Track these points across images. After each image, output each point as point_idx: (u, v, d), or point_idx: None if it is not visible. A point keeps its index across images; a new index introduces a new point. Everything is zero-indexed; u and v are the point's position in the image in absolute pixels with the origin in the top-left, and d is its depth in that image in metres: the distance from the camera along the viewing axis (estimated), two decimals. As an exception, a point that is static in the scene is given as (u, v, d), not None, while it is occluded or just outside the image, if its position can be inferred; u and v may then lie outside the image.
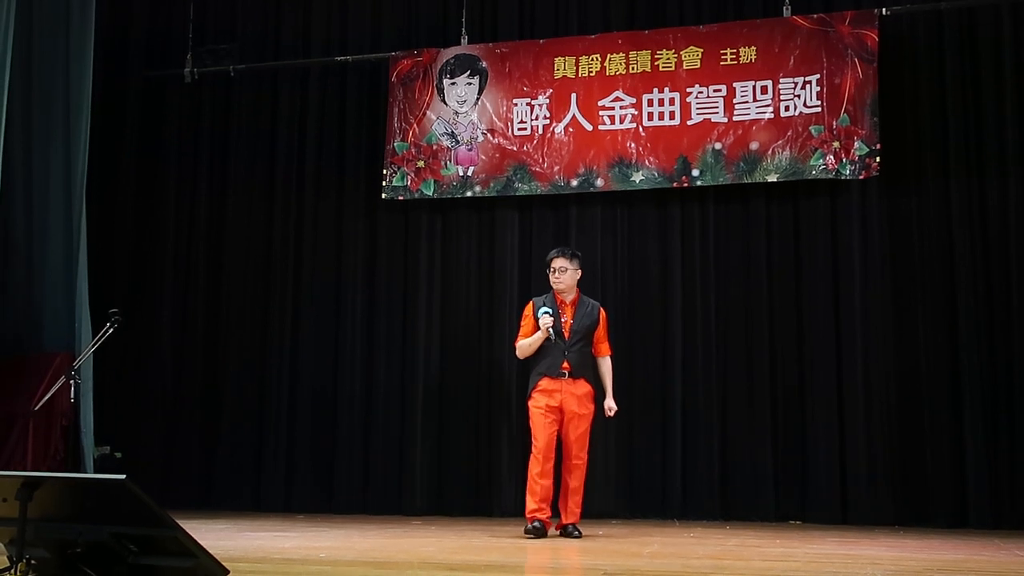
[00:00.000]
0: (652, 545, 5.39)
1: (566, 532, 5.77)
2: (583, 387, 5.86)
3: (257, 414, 7.99)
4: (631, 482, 7.29)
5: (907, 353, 6.94)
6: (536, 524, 5.72)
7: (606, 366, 6.04)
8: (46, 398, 6.71)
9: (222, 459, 7.98)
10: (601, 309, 6.08)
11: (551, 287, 6.04)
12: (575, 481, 5.82)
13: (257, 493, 7.85)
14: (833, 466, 6.95)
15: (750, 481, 7.08)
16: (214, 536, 5.10)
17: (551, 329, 5.81)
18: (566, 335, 5.88)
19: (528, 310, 6.07)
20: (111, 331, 6.43)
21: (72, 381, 6.55)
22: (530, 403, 5.92)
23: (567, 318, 5.93)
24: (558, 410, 5.82)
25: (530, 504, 5.78)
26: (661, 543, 5.47)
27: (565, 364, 5.84)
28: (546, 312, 5.85)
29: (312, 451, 7.85)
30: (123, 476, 2.77)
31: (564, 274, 5.98)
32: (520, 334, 6.06)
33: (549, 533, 5.79)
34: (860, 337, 7.01)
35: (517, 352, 6.10)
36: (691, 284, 7.38)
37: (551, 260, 6.04)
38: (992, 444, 6.68)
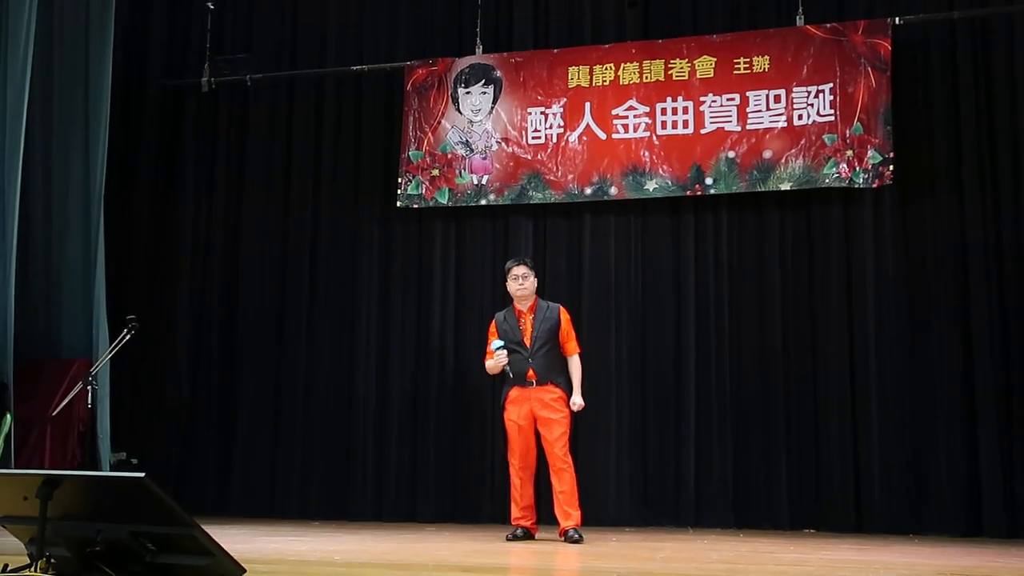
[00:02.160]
0: (665, 550, 5.40)
1: (567, 537, 5.80)
2: (551, 392, 5.96)
3: (272, 420, 8.03)
4: (645, 490, 7.29)
5: (921, 361, 6.94)
6: (518, 532, 5.93)
7: (574, 364, 6.09)
8: (64, 404, 6.77)
9: (237, 465, 8.02)
10: (561, 308, 6.18)
11: (510, 299, 6.21)
12: (563, 484, 5.88)
13: (272, 499, 7.88)
14: (847, 474, 6.94)
15: (764, 489, 7.08)
16: (230, 540, 5.11)
17: (506, 367, 5.95)
18: (527, 343, 6.00)
19: (492, 327, 6.20)
20: (128, 337, 6.50)
21: (89, 387, 6.62)
22: (504, 415, 6.08)
23: (527, 327, 6.05)
24: (530, 419, 5.95)
25: (514, 512, 6.01)
26: (674, 548, 5.48)
27: (530, 372, 5.97)
28: (500, 348, 5.98)
29: (327, 457, 7.89)
30: (142, 475, 2.81)
31: (527, 280, 6.12)
32: (488, 352, 6.17)
33: (537, 537, 5.98)
34: (874, 345, 7.01)
35: (487, 370, 6.24)
36: (704, 292, 7.39)
37: (512, 268, 6.19)
38: (1007, 453, 6.66)
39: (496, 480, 7.50)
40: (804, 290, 7.24)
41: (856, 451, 6.94)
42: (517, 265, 6.18)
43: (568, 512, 5.87)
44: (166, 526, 2.91)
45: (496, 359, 5.99)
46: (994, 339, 6.77)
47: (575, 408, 6.00)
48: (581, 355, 6.17)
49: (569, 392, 6.01)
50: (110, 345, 6.82)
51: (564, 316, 6.13)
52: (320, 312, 8.13)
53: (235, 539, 5.17)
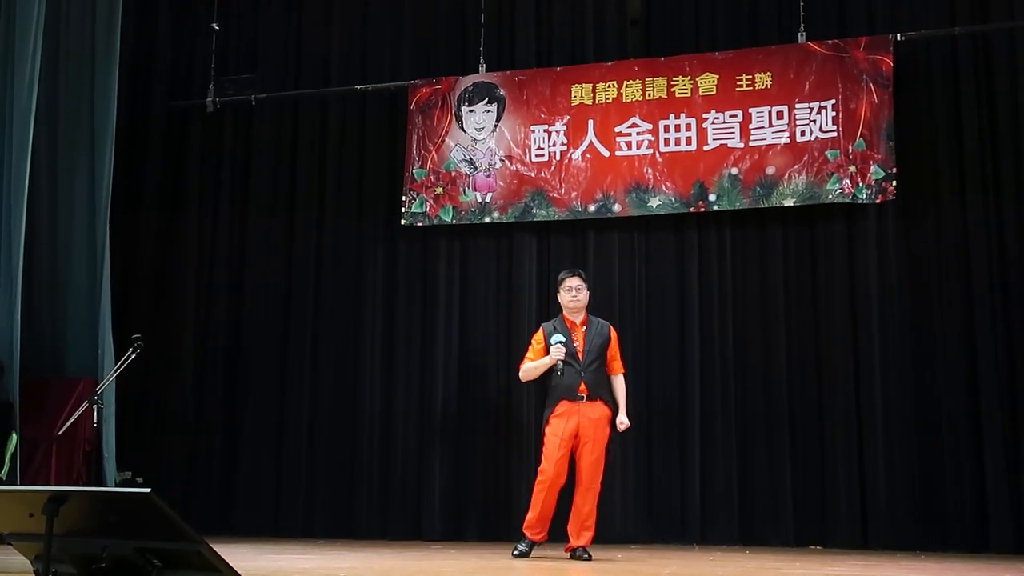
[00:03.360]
0: (671, 566, 5.38)
1: (575, 555, 5.79)
2: (600, 409, 5.88)
3: (277, 439, 8.04)
4: (650, 506, 7.28)
5: (926, 376, 6.93)
6: (522, 545, 5.87)
7: (619, 384, 6.05)
8: (69, 423, 6.78)
9: (242, 483, 8.02)
10: (611, 327, 6.11)
11: (560, 310, 6.12)
12: (587, 505, 5.83)
13: (277, 517, 7.88)
14: (853, 490, 6.92)
15: (770, 506, 7.06)
16: (235, 559, 5.09)
17: (559, 362, 5.84)
18: (580, 357, 5.90)
19: (539, 335, 6.09)
20: (133, 356, 6.51)
21: (95, 406, 6.63)
22: (546, 428, 5.94)
23: (579, 340, 5.95)
24: (573, 434, 5.84)
25: (530, 521, 5.89)
26: (680, 564, 5.46)
27: (582, 387, 5.87)
28: (560, 342, 5.87)
29: (332, 475, 7.88)
30: (148, 490, 2.81)
31: (580, 293, 6.02)
32: (526, 357, 6.10)
33: (539, 554, 5.92)
34: (878, 360, 7.00)
35: (521, 374, 6.16)
36: (708, 308, 7.40)
37: (565, 279, 6.08)
38: (1013, 468, 6.64)
39: (501, 497, 7.49)
40: (808, 306, 7.24)
41: (862, 467, 6.93)
42: (571, 276, 6.09)
43: (584, 533, 5.82)
44: (172, 542, 2.91)
45: (555, 351, 5.84)
46: (999, 354, 6.76)
47: (621, 428, 5.93)
48: (625, 376, 6.15)
49: (614, 410, 5.94)
50: (115, 364, 6.83)
51: (614, 334, 6.09)
52: (325, 330, 8.14)
53: (239, 557, 5.15)
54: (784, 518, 7.01)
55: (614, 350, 6.06)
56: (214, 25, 8.53)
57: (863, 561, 5.84)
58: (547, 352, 5.93)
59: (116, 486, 7.19)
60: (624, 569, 5.30)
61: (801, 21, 7.34)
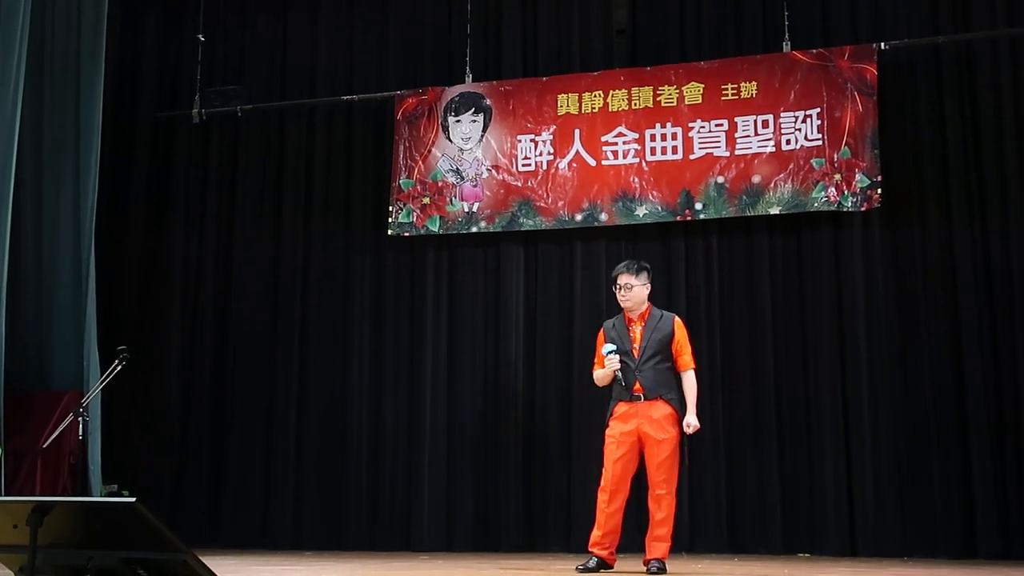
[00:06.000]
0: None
1: (649, 568, 5.35)
2: (662, 408, 5.43)
3: (265, 450, 8.00)
4: (638, 515, 7.24)
5: (913, 383, 6.95)
6: (591, 562, 5.40)
7: (688, 380, 5.55)
8: (54, 436, 6.72)
9: (230, 496, 7.98)
10: (676, 319, 5.66)
11: (618, 311, 5.75)
12: (661, 512, 5.39)
13: (264, 530, 7.84)
14: (841, 498, 6.92)
15: (758, 514, 7.06)
16: (222, 570, 5.07)
17: (617, 372, 5.46)
18: (635, 354, 5.50)
19: (600, 337, 5.72)
20: (119, 368, 6.47)
21: (80, 418, 6.57)
22: (606, 431, 5.54)
23: (636, 337, 5.56)
24: (634, 437, 5.43)
25: (593, 536, 5.47)
26: (669, 572, 5.43)
27: (637, 386, 5.45)
28: (612, 352, 5.50)
29: (320, 487, 7.85)
30: (133, 499, 2.79)
31: (630, 291, 5.59)
32: (595, 362, 5.72)
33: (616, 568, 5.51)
34: (865, 367, 7.01)
35: (595, 381, 5.77)
36: (695, 316, 7.38)
37: (616, 276, 5.66)
38: (1000, 474, 6.65)
39: (490, 508, 7.47)
40: (795, 313, 7.26)
41: (849, 473, 6.93)
42: (621, 273, 5.64)
43: (657, 544, 5.39)
44: (157, 551, 2.88)
45: (609, 363, 5.46)
46: (985, 360, 6.78)
47: (688, 430, 5.44)
48: (696, 372, 5.65)
49: (681, 410, 5.47)
50: (101, 376, 6.79)
51: (679, 327, 5.60)
52: (312, 341, 8.11)
53: (227, 569, 5.13)
54: (772, 526, 7.01)
55: (680, 343, 5.57)
56: (200, 36, 8.51)
57: (851, 568, 5.85)
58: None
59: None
60: (613, 578, 5.29)
61: (786, 30, 7.37)
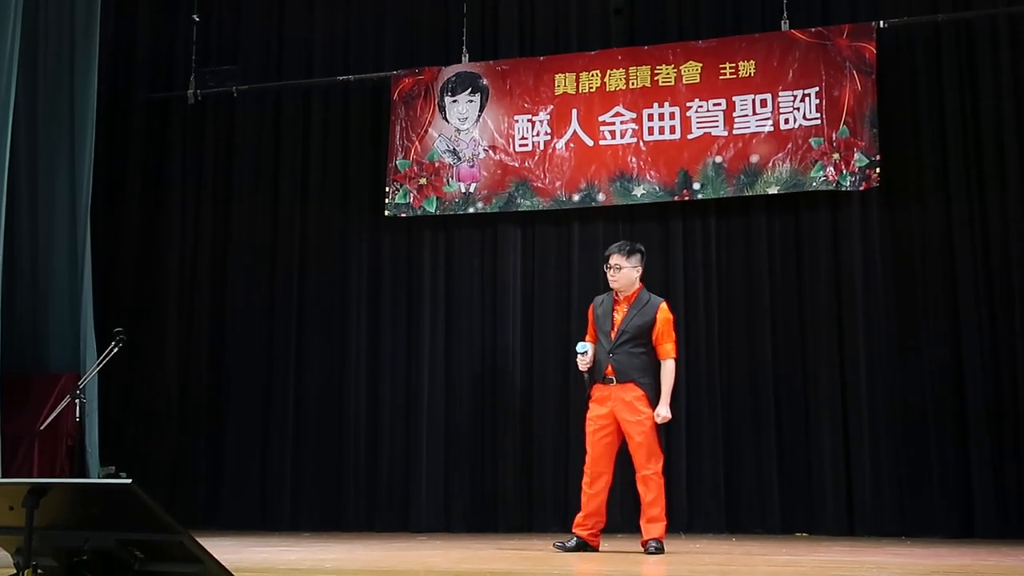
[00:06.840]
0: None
1: (646, 549, 5.33)
2: (632, 391, 5.40)
3: (262, 432, 8.00)
4: (635, 496, 7.24)
5: (911, 363, 6.95)
6: (569, 542, 5.45)
7: (665, 370, 5.47)
8: (51, 418, 6.74)
9: (227, 477, 7.98)
10: (661, 305, 5.56)
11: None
12: (651, 493, 5.37)
13: (263, 511, 7.85)
14: (839, 477, 6.94)
15: (755, 494, 7.07)
16: (220, 551, 5.05)
17: (585, 375, 5.54)
18: (612, 336, 5.48)
19: (590, 313, 5.75)
20: (116, 350, 6.48)
21: (77, 401, 6.60)
22: (587, 414, 5.58)
23: (617, 319, 5.52)
24: (611, 420, 5.44)
25: (577, 518, 5.53)
26: (667, 552, 5.44)
27: (609, 369, 5.46)
28: (583, 353, 5.51)
29: (318, 468, 7.85)
30: (129, 481, 2.78)
31: (619, 272, 5.55)
32: (584, 338, 5.74)
33: (601, 549, 5.51)
34: (863, 347, 7.01)
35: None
36: (694, 297, 7.39)
37: (608, 256, 5.63)
38: (997, 453, 6.67)
39: (487, 488, 7.48)
40: (793, 293, 7.25)
41: (847, 454, 6.94)
42: (613, 253, 5.59)
43: (648, 524, 5.38)
44: (154, 533, 2.88)
45: (579, 362, 5.53)
46: (983, 340, 6.78)
47: (658, 420, 5.38)
48: (676, 362, 5.61)
49: (654, 394, 5.41)
50: (98, 358, 6.79)
51: (662, 314, 5.51)
52: (309, 322, 8.10)
53: (224, 550, 5.12)
54: (770, 506, 7.02)
55: (661, 331, 5.49)
56: (195, 16, 8.46)
57: (849, 547, 5.86)
58: (596, 328, 5.61)
59: (100, 480, 7.16)
60: (610, 557, 5.30)
61: (784, 9, 7.33)
